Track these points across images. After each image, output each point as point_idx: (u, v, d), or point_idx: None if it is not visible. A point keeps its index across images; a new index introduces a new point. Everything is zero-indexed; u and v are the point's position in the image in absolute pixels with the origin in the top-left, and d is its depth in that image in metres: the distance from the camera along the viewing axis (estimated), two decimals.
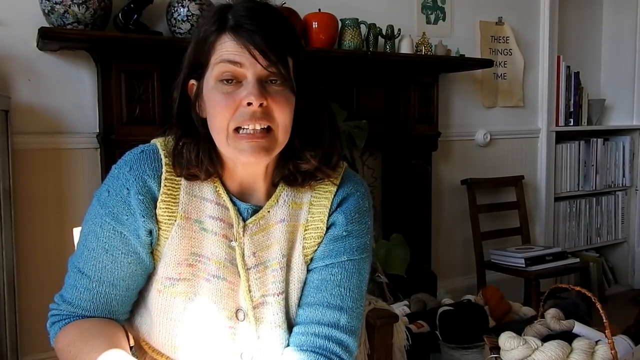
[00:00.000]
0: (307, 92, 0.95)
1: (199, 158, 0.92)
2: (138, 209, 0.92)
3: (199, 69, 0.91)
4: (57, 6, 1.92)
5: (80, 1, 1.92)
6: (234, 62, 0.86)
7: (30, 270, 2.08)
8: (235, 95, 0.87)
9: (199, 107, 0.93)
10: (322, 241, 0.99)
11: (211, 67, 0.89)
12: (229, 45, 0.87)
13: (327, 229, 0.99)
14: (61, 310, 0.96)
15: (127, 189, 0.92)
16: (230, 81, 0.87)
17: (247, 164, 0.94)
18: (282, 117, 0.89)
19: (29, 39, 2.04)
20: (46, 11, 1.95)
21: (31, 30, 2.00)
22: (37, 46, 2.05)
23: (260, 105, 0.86)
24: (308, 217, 0.99)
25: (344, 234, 0.99)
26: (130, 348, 1.11)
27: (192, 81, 0.93)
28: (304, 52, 0.94)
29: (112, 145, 2.06)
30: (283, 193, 0.98)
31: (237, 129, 0.88)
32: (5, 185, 1.87)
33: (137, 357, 1.07)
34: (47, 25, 1.97)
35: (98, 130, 2.20)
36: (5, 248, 1.87)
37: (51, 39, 1.92)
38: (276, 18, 0.90)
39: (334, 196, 0.99)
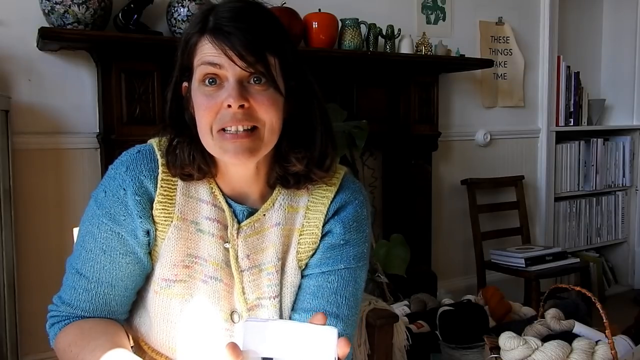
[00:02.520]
0: (298, 92, 0.93)
1: (192, 156, 0.92)
2: (135, 210, 0.92)
3: (186, 71, 0.91)
4: (57, 6, 1.92)
5: (80, 1, 1.92)
6: (214, 64, 0.85)
7: (30, 270, 2.08)
8: (216, 97, 0.86)
9: (191, 108, 0.93)
10: (317, 247, 0.98)
11: (195, 70, 0.88)
12: (208, 48, 0.86)
13: (323, 236, 0.98)
14: (60, 311, 0.96)
15: (124, 189, 0.92)
16: (212, 82, 0.87)
17: (234, 165, 0.93)
18: (268, 117, 0.87)
19: (29, 39, 2.04)
20: (46, 11, 1.95)
21: (31, 30, 2.00)
22: (37, 46, 2.05)
23: (242, 107, 0.85)
24: (304, 222, 0.98)
25: (342, 242, 0.98)
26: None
27: (185, 83, 0.93)
28: (292, 50, 0.92)
29: (112, 145, 2.06)
30: (279, 197, 0.98)
31: (221, 130, 0.87)
32: (5, 185, 1.87)
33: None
34: (47, 25, 1.97)
35: (98, 130, 2.20)
36: (5, 248, 1.87)
37: (51, 39, 1.92)
38: (259, 17, 0.88)
39: (331, 202, 0.98)
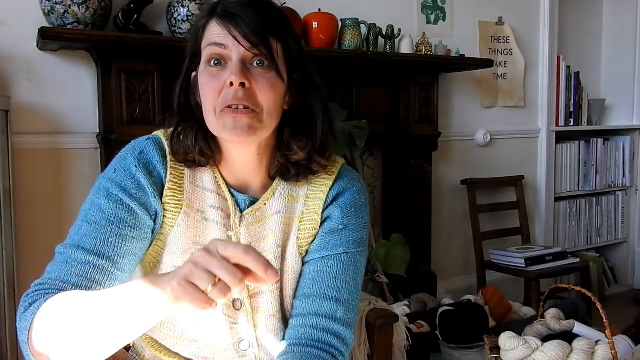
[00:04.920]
0: (300, 81, 0.96)
1: (196, 141, 0.94)
2: (149, 188, 0.93)
3: (195, 58, 0.94)
4: (57, 6, 1.92)
5: (80, 1, 1.92)
6: (219, 45, 0.89)
7: (30, 270, 2.07)
8: (220, 77, 0.89)
9: (198, 95, 0.95)
10: (316, 233, 1.00)
11: (202, 52, 0.92)
12: (215, 29, 0.90)
13: (322, 222, 1.00)
14: (39, 288, 0.86)
15: (136, 166, 0.93)
16: (217, 63, 0.90)
17: (235, 145, 0.95)
18: (266, 100, 0.90)
19: (29, 39, 2.04)
20: (46, 11, 1.95)
21: (31, 30, 2.00)
22: (37, 46, 2.05)
23: (243, 85, 0.87)
24: (304, 210, 1.00)
25: (340, 227, 1.00)
26: (128, 349, 1.11)
27: (194, 72, 0.96)
28: (294, 39, 0.95)
29: (112, 145, 2.06)
30: (280, 186, 1.00)
31: (223, 109, 0.89)
32: (5, 185, 1.87)
33: (137, 356, 1.08)
34: (47, 25, 1.97)
35: (98, 130, 2.20)
36: (5, 248, 1.87)
37: (51, 39, 1.92)
38: (266, 6, 0.92)
39: (330, 190, 1.01)
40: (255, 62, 0.89)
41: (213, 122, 0.91)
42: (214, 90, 0.89)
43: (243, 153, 0.96)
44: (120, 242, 0.90)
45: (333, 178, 1.01)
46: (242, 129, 0.88)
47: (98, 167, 2.19)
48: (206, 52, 0.90)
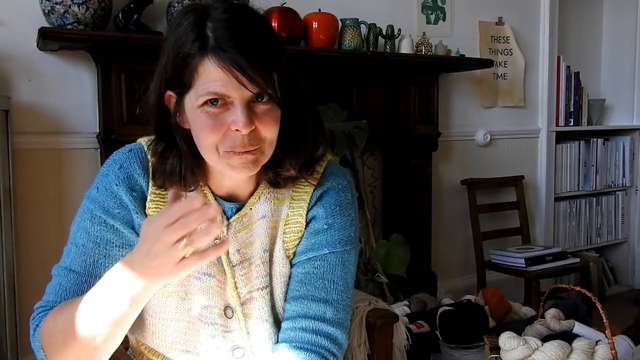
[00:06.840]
0: (291, 98, 0.92)
1: (182, 174, 0.91)
2: (131, 204, 0.92)
3: (180, 87, 0.86)
4: (57, 6, 1.92)
5: (80, 1, 1.92)
6: (222, 94, 0.83)
7: (30, 270, 2.07)
8: (222, 119, 0.84)
9: (180, 119, 0.90)
10: (302, 235, 1.00)
11: (195, 92, 0.85)
12: (214, 74, 0.82)
13: (307, 223, 1.00)
14: (43, 309, 0.92)
15: (117, 184, 0.93)
16: (215, 102, 0.84)
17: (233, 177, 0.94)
18: (270, 135, 0.88)
19: (29, 39, 2.04)
20: (46, 11, 1.95)
21: (31, 30, 2.00)
22: (37, 46, 2.05)
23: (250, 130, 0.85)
24: (289, 212, 0.99)
25: (325, 227, 0.99)
26: (126, 349, 1.11)
27: (169, 92, 0.89)
28: (286, 57, 0.91)
29: (112, 145, 2.05)
30: (265, 190, 0.99)
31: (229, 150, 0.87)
32: (5, 185, 1.87)
33: (134, 359, 1.08)
34: (47, 25, 1.97)
35: (98, 130, 2.20)
36: (5, 248, 1.87)
37: (51, 39, 1.93)
38: (256, 29, 0.86)
39: (314, 190, 1.00)
40: (257, 98, 0.85)
41: (215, 160, 0.88)
42: (215, 132, 0.85)
43: (236, 178, 0.95)
44: (110, 261, 0.92)
45: (317, 177, 1.00)
46: (248, 166, 0.87)
47: (98, 167, 2.19)
48: (204, 98, 0.83)
